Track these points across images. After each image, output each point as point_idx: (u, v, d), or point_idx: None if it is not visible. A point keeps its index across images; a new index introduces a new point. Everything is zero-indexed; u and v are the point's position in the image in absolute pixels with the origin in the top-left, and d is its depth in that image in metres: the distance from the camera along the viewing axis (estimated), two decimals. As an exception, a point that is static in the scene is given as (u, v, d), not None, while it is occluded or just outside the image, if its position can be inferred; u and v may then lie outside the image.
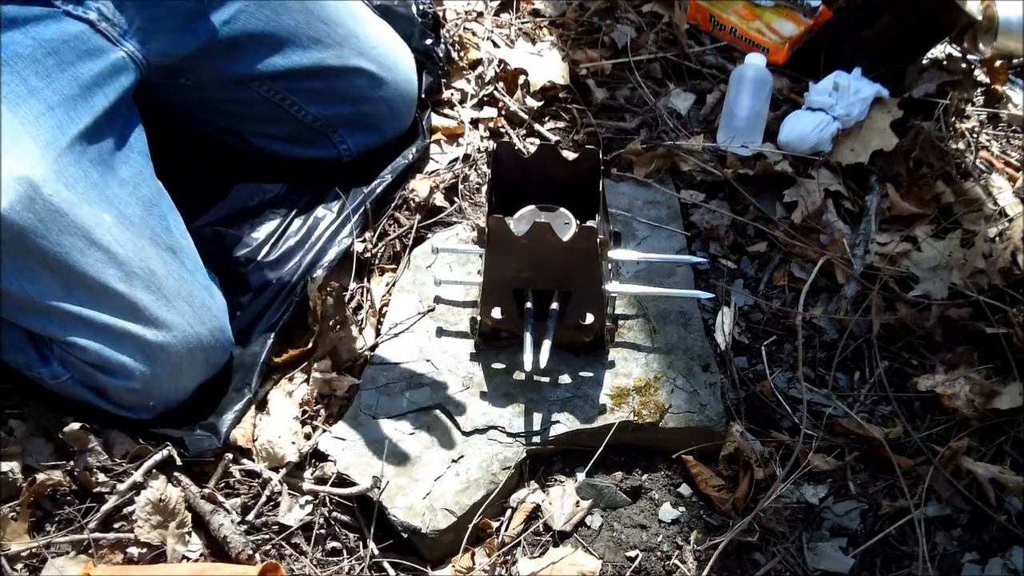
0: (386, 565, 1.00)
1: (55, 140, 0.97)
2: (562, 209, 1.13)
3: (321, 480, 1.05)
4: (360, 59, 1.26)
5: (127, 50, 1.07)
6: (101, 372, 1.02)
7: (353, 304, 1.22)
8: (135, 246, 1.01)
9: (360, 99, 1.29)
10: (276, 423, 1.09)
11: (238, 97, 1.23)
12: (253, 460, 1.07)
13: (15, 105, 0.96)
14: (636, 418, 1.08)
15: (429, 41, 1.43)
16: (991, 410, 1.10)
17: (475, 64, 1.53)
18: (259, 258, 1.23)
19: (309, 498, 1.04)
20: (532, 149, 1.35)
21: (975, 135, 1.45)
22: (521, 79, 1.49)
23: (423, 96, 1.39)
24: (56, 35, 1.02)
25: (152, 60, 1.10)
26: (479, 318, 1.12)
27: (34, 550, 0.96)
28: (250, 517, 1.02)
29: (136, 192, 1.05)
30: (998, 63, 1.52)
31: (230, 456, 1.06)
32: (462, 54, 1.54)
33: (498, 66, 1.52)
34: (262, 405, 1.12)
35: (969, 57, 1.55)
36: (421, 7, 1.44)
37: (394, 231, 1.30)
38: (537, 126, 1.45)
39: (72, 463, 1.02)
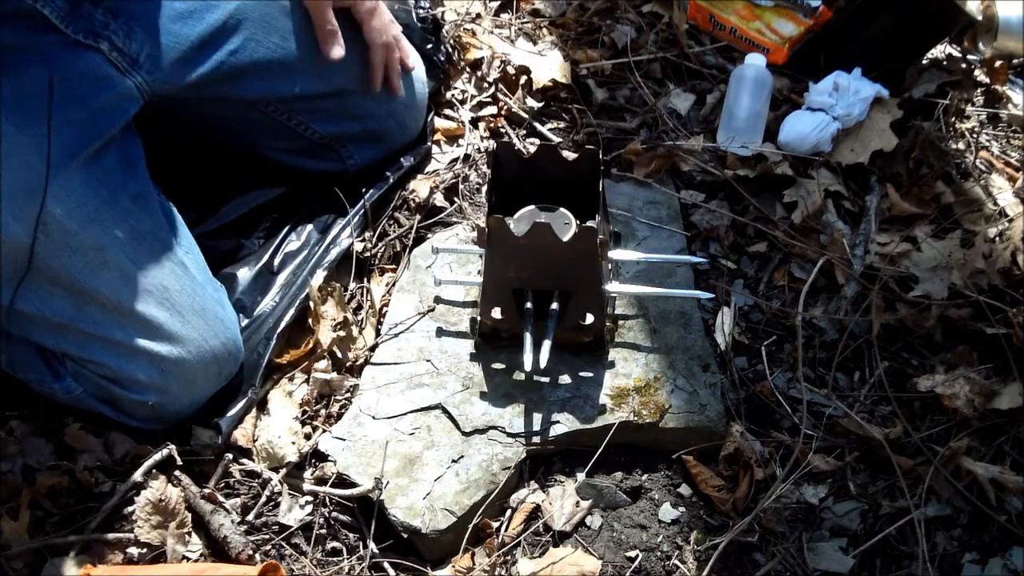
0: (386, 565, 1.00)
1: (64, 161, 0.97)
2: (562, 209, 1.13)
3: (321, 480, 1.05)
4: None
5: (135, 81, 1.06)
6: (115, 386, 1.02)
7: (353, 304, 1.22)
8: (147, 262, 1.02)
9: (368, 117, 1.28)
10: (276, 423, 1.09)
11: (244, 117, 1.22)
12: (253, 460, 1.07)
13: (24, 128, 0.96)
14: (636, 418, 1.08)
15: (429, 46, 1.43)
16: (991, 410, 1.10)
17: (475, 65, 1.53)
18: (262, 261, 1.23)
19: (309, 498, 1.04)
20: (532, 149, 1.35)
21: (975, 135, 1.45)
22: (523, 79, 1.49)
23: (424, 100, 1.39)
24: (67, 63, 1.01)
25: (158, 90, 1.09)
26: (479, 318, 1.12)
27: (34, 550, 0.96)
28: (250, 517, 1.02)
29: (146, 208, 1.05)
30: (998, 63, 1.52)
31: (230, 456, 1.06)
32: (462, 55, 1.54)
33: (498, 66, 1.52)
34: (262, 405, 1.12)
35: (969, 57, 1.54)
36: (421, 12, 1.44)
37: (394, 231, 1.30)
38: (537, 126, 1.45)
39: (72, 463, 1.02)
